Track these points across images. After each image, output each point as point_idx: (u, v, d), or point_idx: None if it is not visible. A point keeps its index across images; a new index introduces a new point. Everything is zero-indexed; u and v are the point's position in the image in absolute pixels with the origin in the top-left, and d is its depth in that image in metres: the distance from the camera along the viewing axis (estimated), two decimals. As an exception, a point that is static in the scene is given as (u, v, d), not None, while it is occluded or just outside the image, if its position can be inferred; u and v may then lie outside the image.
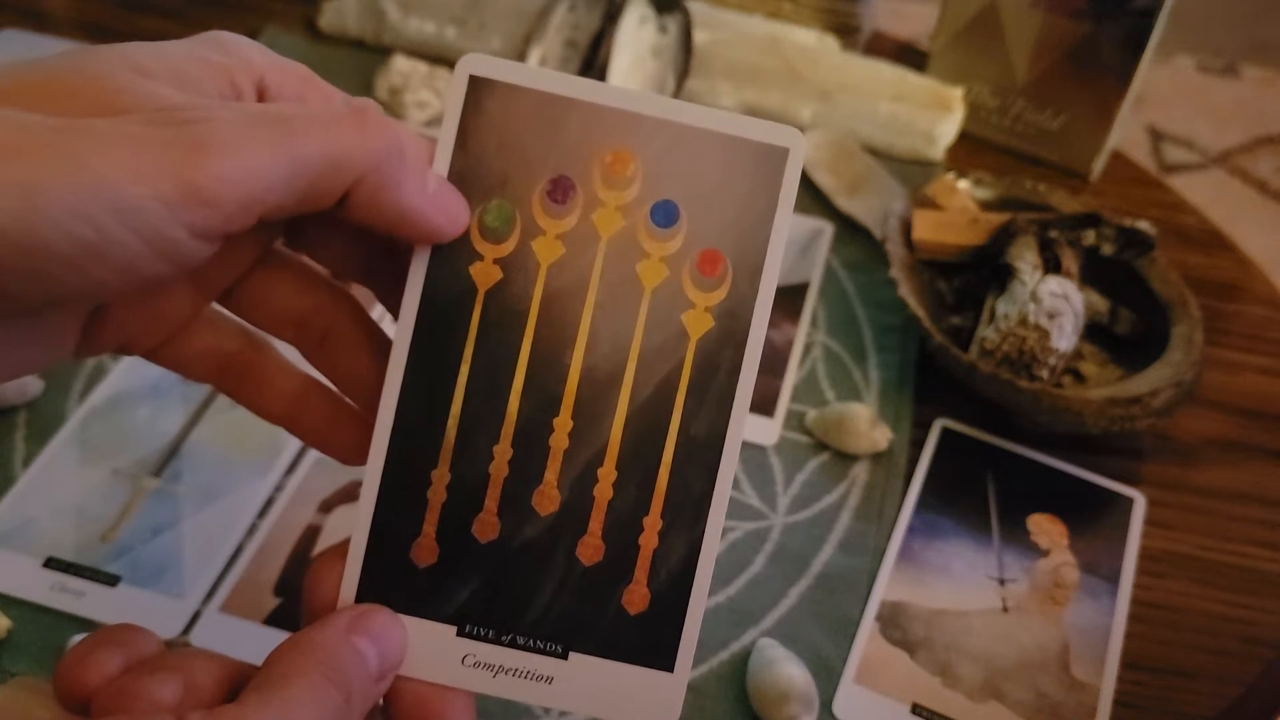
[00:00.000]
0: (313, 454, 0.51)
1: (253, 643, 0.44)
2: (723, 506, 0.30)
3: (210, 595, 0.46)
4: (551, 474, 0.30)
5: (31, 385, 0.52)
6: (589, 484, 0.30)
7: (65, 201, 0.22)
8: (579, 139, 0.29)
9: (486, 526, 0.30)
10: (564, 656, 0.30)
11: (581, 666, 0.30)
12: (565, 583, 0.30)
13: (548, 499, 0.30)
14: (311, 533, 0.48)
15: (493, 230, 0.29)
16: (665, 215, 0.30)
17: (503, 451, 0.30)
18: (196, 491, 0.49)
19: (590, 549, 0.30)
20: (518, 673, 0.30)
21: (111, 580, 0.46)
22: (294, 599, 0.46)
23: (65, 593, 0.45)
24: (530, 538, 0.30)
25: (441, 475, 0.30)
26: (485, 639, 0.30)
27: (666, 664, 0.30)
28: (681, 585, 0.30)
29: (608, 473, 0.30)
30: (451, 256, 0.29)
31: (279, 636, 0.44)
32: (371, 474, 0.30)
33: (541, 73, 0.29)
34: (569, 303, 0.30)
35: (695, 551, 0.30)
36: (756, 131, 0.30)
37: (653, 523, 0.30)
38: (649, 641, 0.30)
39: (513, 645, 0.30)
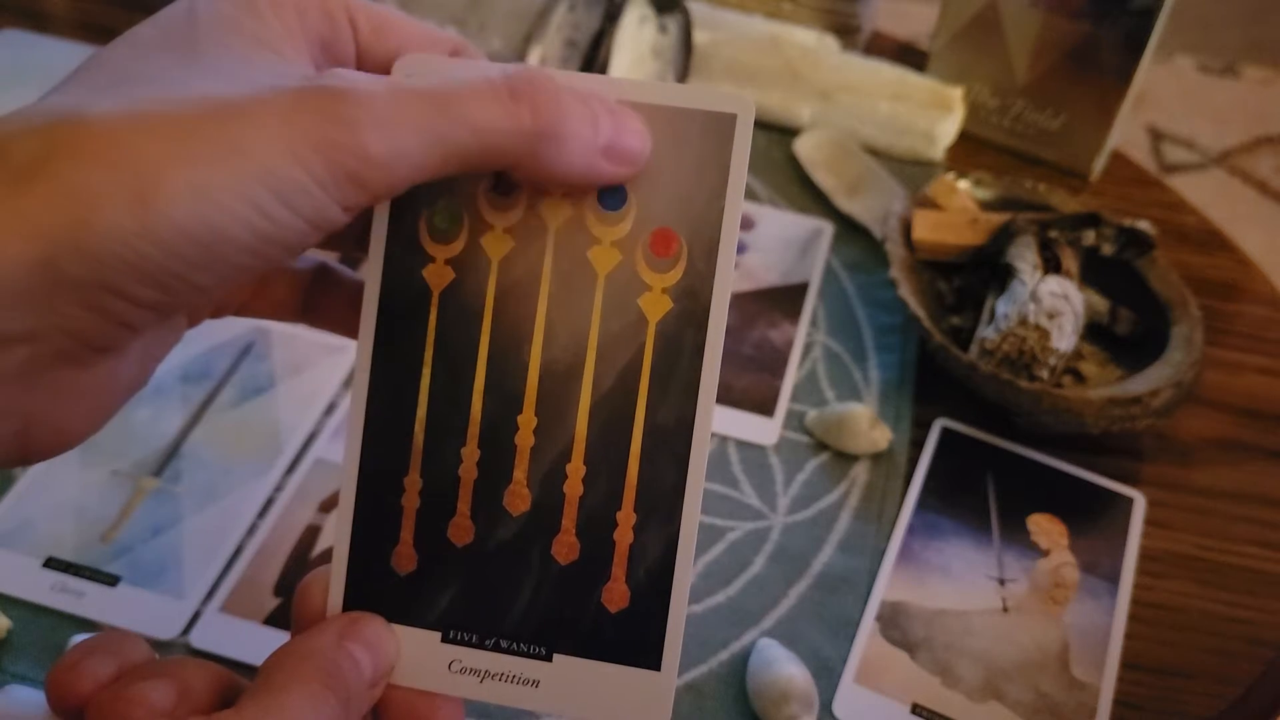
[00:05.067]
0: (313, 454, 0.51)
1: (252, 643, 0.44)
2: (697, 497, 0.29)
3: (210, 595, 0.46)
4: (520, 473, 0.29)
5: (31, 385, 0.52)
6: (558, 481, 0.29)
7: (239, 194, 0.23)
8: None
9: (461, 530, 0.29)
10: (548, 658, 0.29)
11: (566, 668, 0.29)
12: (543, 583, 0.29)
13: (519, 498, 0.29)
14: (311, 533, 0.48)
15: (442, 231, 0.29)
16: (612, 198, 0.29)
17: (470, 453, 0.29)
18: (196, 491, 0.49)
19: (565, 547, 0.29)
20: (503, 677, 0.29)
21: (111, 580, 0.46)
22: (293, 601, 0.46)
23: (65, 593, 0.45)
24: (505, 539, 0.29)
25: (413, 481, 0.29)
26: (469, 644, 0.29)
27: (652, 663, 0.29)
28: (661, 581, 0.29)
29: (576, 468, 0.29)
30: (404, 262, 0.29)
31: (279, 637, 0.44)
32: (347, 484, 0.29)
33: (474, 65, 0.29)
34: (523, 297, 0.29)
35: (673, 545, 0.29)
36: (701, 100, 0.29)
37: (626, 517, 0.29)
38: (632, 640, 0.29)
39: (496, 649, 0.29)
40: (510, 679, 0.29)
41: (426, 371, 0.29)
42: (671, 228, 0.29)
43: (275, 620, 0.45)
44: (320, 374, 0.54)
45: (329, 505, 0.49)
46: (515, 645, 0.29)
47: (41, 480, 0.49)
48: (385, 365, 0.29)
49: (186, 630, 0.45)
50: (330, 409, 0.53)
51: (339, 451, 0.51)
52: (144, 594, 0.46)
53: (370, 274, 0.29)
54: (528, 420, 0.29)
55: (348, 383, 0.54)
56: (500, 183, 0.29)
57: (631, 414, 0.29)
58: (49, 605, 0.45)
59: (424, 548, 0.29)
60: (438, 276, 0.29)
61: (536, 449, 0.29)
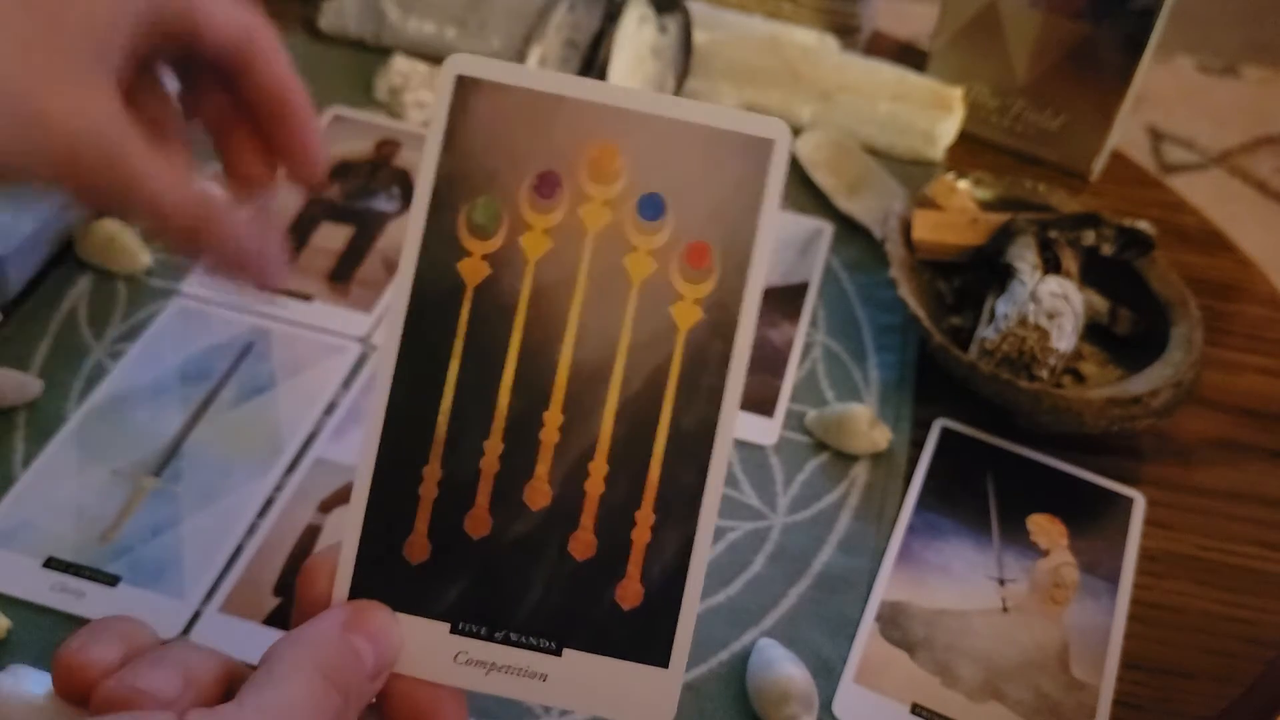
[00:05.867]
0: (313, 454, 0.51)
1: (253, 643, 0.44)
2: (715, 500, 0.30)
3: (210, 595, 0.46)
4: (543, 468, 0.30)
5: (31, 385, 0.52)
6: (580, 478, 0.30)
7: None
8: (565, 135, 0.30)
9: (478, 522, 0.30)
10: (557, 653, 0.29)
11: (575, 663, 0.29)
12: (557, 578, 0.30)
13: (539, 494, 0.30)
14: (311, 533, 0.48)
15: (480, 227, 0.30)
16: (652, 208, 0.30)
17: (493, 447, 0.30)
18: (196, 491, 0.49)
19: (582, 544, 0.30)
20: (511, 670, 0.29)
21: (111, 580, 0.46)
22: (293, 599, 0.46)
23: (65, 593, 0.45)
24: (522, 533, 0.30)
25: (433, 471, 0.30)
26: (478, 636, 0.29)
27: (661, 660, 0.29)
28: (675, 580, 0.30)
29: (599, 467, 0.30)
30: (440, 254, 0.30)
31: (279, 637, 0.44)
32: (363, 471, 0.30)
33: (527, 70, 0.30)
34: (557, 297, 0.30)
35: (688, 546, 0.30)
36: (741, 124, 0.30)
37: (645, 517, 0.30)
38: (643, 637, 0.29)
39: (506, 642, 0.29)
40: (518, 672, 0.30)
41: (455, 363, 0.30)
42: (706, 241, 0.30)
43: (275, 620, 0.45)
44: (320, 374, 0.54)
45: (329, 505, 0.49)
46: (525, 639, 0.30)
47: (41, 480, 0.49)
48: (413, 354, 0.30)
49: (186, 630, 0.45)
50: (330, 409, 0.53)
51: (339, 451, 0.51)
52: (144, 594, 0.46)
53: (404, 262, 0.30)
54: (554, 417, 0.30)
55: (348, 383, 0.54)
56: (542, 184, 0.30)
57: (657, 417, 0.30)
58: (49, 605, 0.45)
59: (438, 538, 0.30)
60: (473, 271, 0.30)
61: (561, 446, 0.30)
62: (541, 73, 0.30)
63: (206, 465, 0.50)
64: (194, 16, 0.35)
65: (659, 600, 0.30)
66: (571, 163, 0.30)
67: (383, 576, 0.30)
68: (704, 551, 0.30)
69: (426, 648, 0.29)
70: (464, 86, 0.30)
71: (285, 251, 0.39)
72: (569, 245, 0.30)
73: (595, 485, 0.30)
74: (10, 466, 0.50)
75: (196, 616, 0.45)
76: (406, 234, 0.30)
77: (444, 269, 0.30)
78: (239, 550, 0.47)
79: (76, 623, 0.45)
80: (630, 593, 0.30)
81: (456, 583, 0.30)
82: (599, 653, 0.29)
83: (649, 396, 0.30)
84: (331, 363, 0.55)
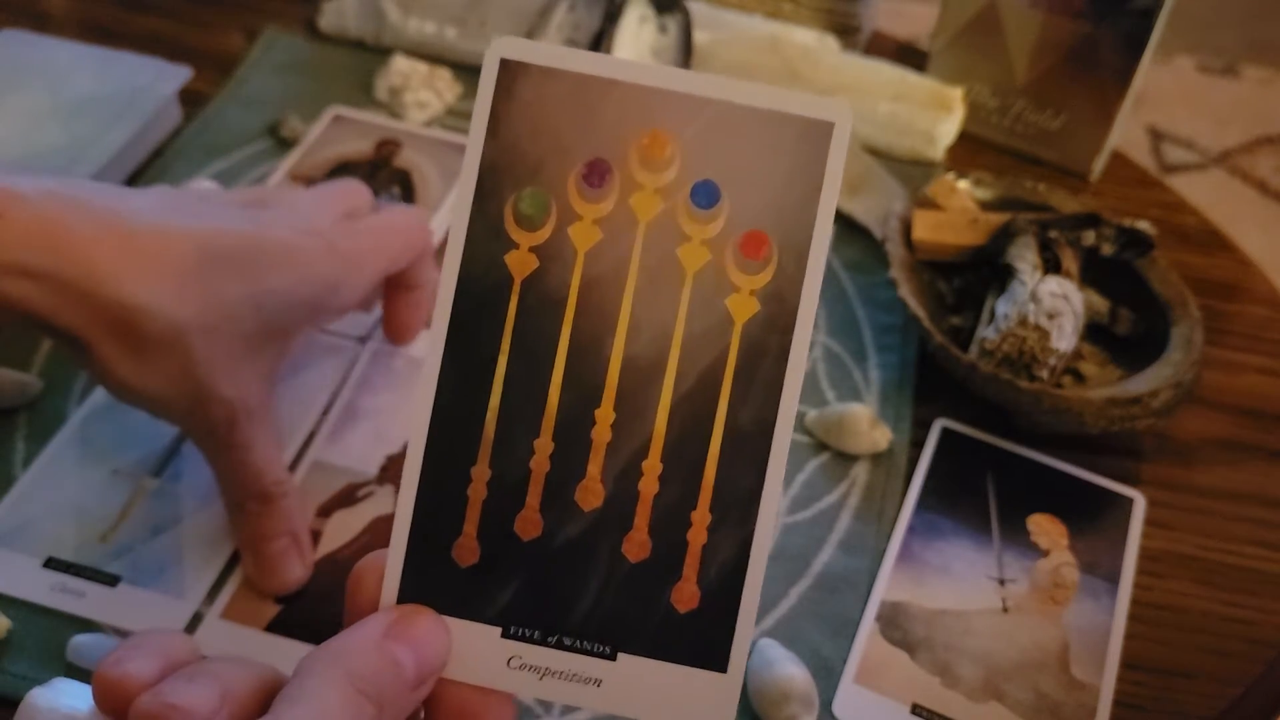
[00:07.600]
0: (310, 457, 0.51)
1: (254, 650, 0.44)
2: (774, 500, 0.28)
3: (211, 597, 0.46)
4: (594, 468, 0.29)
5: (31, 385, 0.52)
6: (633, 478, 0.29)
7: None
8: (614, 120, 0.28)
9: (529, 524, 0.29)
10: (612, 657, 0.29)
11: (631, 668, 0.29)
12: (611, 581, 0.29)
13: (591, 494, 0.29)
14: (310, 538, 0.48)
15: (527, 218, 0.28)
16: (706, 196, 0.29)
17: (543, 445, 0.29)
18: (196, 491, 0.49)
19: (636, 545, 0.29)
20: (565, 675, 0.29)
21: (111, 580, 0.46)
22: (294, 606, 0.46)
23: (65, 593, 0.45)
24: (574, 535, 0.29)
25: (481, 472, 0.29)
26: (531, 640, 0.29)
27: (719, 664, 0.28)
28: (733, 582, 0.28)
29: (652, 466, 0.29)
30: (486, 246, 0.28)
31: (279, 643, 0.45)
32: (410, 472, 0.29)
33: (574, 53, 0.28)
34: (608, 290, 0.28)
35: (746, 548, 0.28)
36: (799, 105, 0.28)
37: (701, 518, 0.29)
38: (700, 641, 0.29)
39: (559, 646, 0.29)
40: (571, 677, 0.29)
41: (503, 360, 0.29)
42: (763, 230, 0.28)
43: (276, 627, 0.45)
44: (318, 374, 0.54)
45: (328, 509, 0.49)
46: (579, 643, 0.29)
47: (41, 480, 0.49)
48: (459, 351, 0.29)
49: (187, 630, 0.45)
50: (328, 409, 0.53)
51: (337, 454, 0.51)
52: (144, 594, 0.46)
53: (450, 256, 0.29)
54: (605, 415, 0.29)
55: (346, 382, 0.54)
56: (591, 172, 0.29)
57: (712, 414, 0.29)
58: (49, 605, 0.45)
59: (488, 540, 0.29)
60: (521, 264, 0.29)
61: (613, 445, 0.29)
62: (589, 55, 0.28)
63: (207, 465, 0.50)
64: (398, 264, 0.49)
65: (716, 603, 0.29)
66: (621, 149, 0.28)
67: (431, 580, 0.29)
68: (763, 553, 0.28)
69: (478, 652, 0.28)
70: (508, 71, 0.28)
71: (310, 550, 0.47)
72: (620, 236, 0.28)
73: (649, 485, 0.29)
74: (10, 466, 0.50)
75: (197, 617, 0.45)
76: (451, 226, 0.29)
77: (490, 262, 0.28)
78: (239, 552, 0.47)
79: (77, 623, 0.45)
80: (686, 595, 0.29)
81: (507, 586, 0.29)
82: (655, 657, 0.29)
83: (704, 393, 0.29)
84: (330, 362, 0.55)
